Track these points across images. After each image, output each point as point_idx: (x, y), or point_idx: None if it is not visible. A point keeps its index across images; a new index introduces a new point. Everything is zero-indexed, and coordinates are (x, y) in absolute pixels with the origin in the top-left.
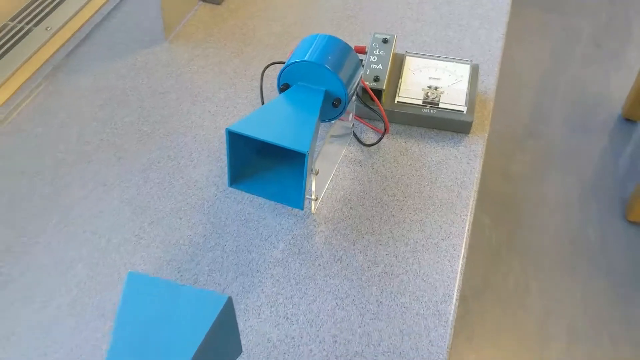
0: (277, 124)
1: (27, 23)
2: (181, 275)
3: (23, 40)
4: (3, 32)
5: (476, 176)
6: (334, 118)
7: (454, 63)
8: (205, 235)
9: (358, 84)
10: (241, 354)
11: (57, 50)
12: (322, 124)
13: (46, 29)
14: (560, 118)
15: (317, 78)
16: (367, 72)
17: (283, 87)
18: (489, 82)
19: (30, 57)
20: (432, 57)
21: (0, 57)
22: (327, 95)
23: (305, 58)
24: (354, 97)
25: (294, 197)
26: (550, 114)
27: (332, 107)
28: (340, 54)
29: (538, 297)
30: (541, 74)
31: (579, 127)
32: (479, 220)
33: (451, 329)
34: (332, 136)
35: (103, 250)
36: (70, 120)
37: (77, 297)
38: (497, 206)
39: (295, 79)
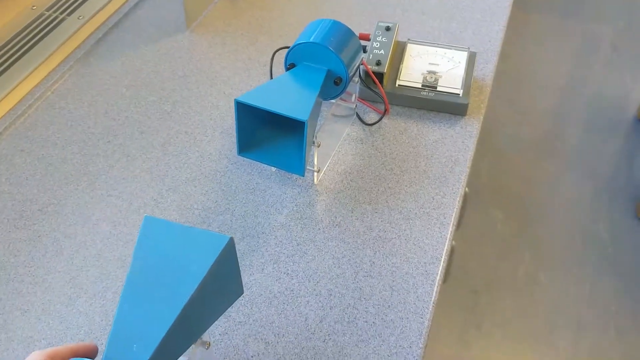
0: (280, 96)
1: (61, 12)
2: None
3: (57, 28)
4: (39, 20)
5: (470, 154)
6: (336, 96)
7: (452, 50)
8: (216, 201)
9: (359, 66)
10: (245, 302)
11: (88, 36)
12: (326, 104)
13: (78, 18)
14: (577, 119)
15: (320, 58)
16: (370, 57)
17: (289, 67)
18: (487, 69)
19: (63, 43)
20: (432, 45)
21: (36, 43)
22: (329, 74)
23: (310, 39)
24: (356, 79)
25: (296, 164)
26: (568, 115)
27: (334, 85)
28: (343, 37)
29: (547, 289)
30: (560, 77)
31: (595, 129)
32: (491, 215)
33: (437, 287)
34: (336, 115)
35: (125, 211)
36: (99, 99)
37: (101, 251)
38: (511, 202)
39: (301, 59)
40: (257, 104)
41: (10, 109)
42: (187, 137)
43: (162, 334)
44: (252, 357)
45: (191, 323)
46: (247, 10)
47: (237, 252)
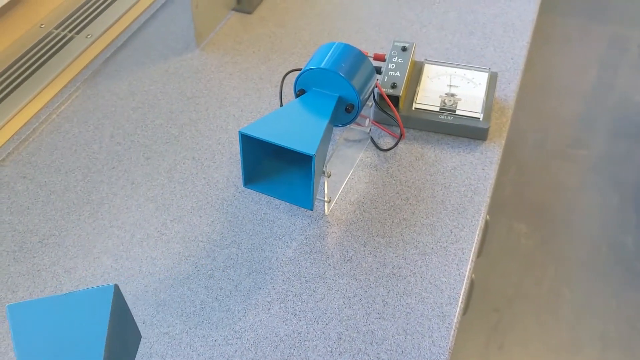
0: (287, 127)
1: (70, 31)
2: (197, 270)
3: (65, 47)
4: (48, 39)
5: (490, 182)
6: (348, 123)
7: (472, 70)
8: (222, 233)
9: (372, 91)
10: (250, 347)
11: (96, 56)
12: (338, 129)
13: (86, 37)
14: (602, 126)
15: (331, 84)
16: (385, 79)
17: (299, 93)
18: (509, 89)
19: (71, 63)
20: (451, 65)
21: (44, 62)
22: (341, 101)
23: (321, 65)
24: (370, 103)
25: (305, 197)
26: (594, 122)
27: (345, 112)
28: (355, 62)
29: (571, 304)
30: (586, 82)
31: (621, 135)
32: (514, 228)
33: (454, 330)
34: (348, 140)
35: (127, 244)
36: (105, 122)
37: None
38: (534, 213)
39: (311, 84)
40: (262, 137)
41: (15, 133)
42: (194, 163)
43: None
44: None
45: None
46: (259, 27)
47: (243, 288)
